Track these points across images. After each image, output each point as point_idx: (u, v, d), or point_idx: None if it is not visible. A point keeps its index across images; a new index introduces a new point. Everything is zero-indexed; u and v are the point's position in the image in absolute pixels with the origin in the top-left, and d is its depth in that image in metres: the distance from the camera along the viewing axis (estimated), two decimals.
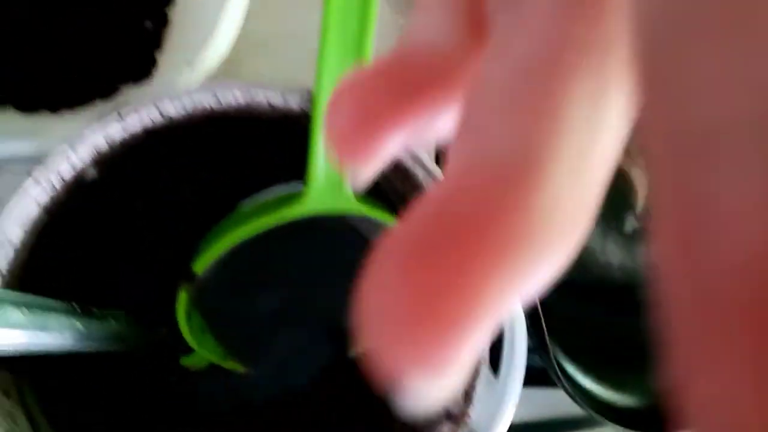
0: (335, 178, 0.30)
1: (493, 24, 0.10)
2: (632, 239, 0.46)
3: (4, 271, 0.26)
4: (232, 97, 0.28)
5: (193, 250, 0.33)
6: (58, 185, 0.27)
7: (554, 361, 0.39)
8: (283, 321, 0.34)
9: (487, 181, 0.08)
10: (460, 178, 0.08)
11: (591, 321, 0.45)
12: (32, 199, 0.26)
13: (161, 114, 0.28)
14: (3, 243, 0.26)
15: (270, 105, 0.29)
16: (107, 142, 0.27)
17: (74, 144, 0.26)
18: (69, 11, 0.36)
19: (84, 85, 0.37)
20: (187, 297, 0.31)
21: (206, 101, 0.28)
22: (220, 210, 0.33)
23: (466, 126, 0.09)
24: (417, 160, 0.31)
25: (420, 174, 0.31)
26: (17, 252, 0.26)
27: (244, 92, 0.28)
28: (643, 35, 0.07)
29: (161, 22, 0.38)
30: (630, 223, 0.46)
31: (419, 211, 0.08)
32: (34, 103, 0.36)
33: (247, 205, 0.33)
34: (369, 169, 0.10)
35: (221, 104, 0.28)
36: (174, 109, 0.28)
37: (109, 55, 0.37)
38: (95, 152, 0.27)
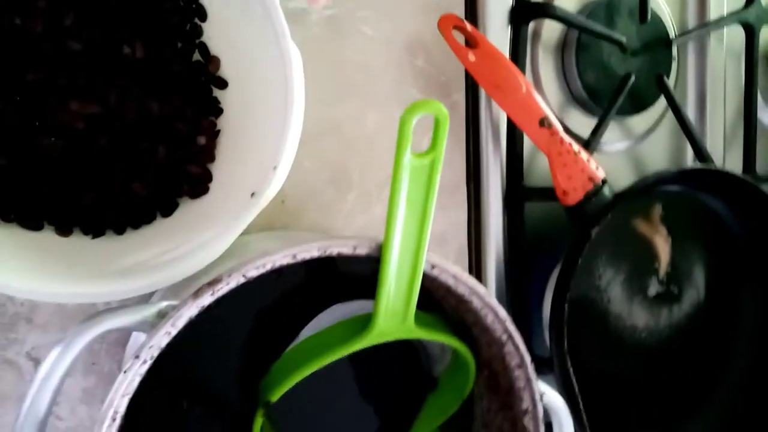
0: (399, 310, 0.33)
1: None
2: (656, 302, 0.49)
3: None
4: (308, 254, 0.31)
5: (258, 375, 0.35)
6: (156, 353, 0.29)
7: None
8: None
9: None
10: None
11: (621, 382, 0.49)
12: (136, 374, 0.28)
13: (245, 277, 0.30)
14: (115, 417, 0.28)
15: (338, 253, 0.32)
16: (198, 310, 0.29)
17: (176, 321, 0.28)
18: (129, 135, 0.37)
19: (146, 204, 0.38)
20: (263, 421, 0.34)
21: (285, 261, 0.30)
22: (282, 335, 0.36)
23: None
24: (458, 278, 0.34)
25: (462, 290, 0.34)
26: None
27: (320, 250, 0.31)
28: None
29: (213, 135, 0.39)
30: (654, 288, 0.49)
31: None
32: (101, 226, 0.38)
33: (311, 331, 0.36)
34: None
35: (296, 260, 0.31)
36: (256, 272, 0.30)
37: (168, 174, 0.38)
38: (188, 321, 0.29)
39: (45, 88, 0.35)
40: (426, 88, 0.49)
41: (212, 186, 0.39)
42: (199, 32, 0.39)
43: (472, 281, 0.34)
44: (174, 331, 0.29)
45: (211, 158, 0.39)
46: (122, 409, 0.29)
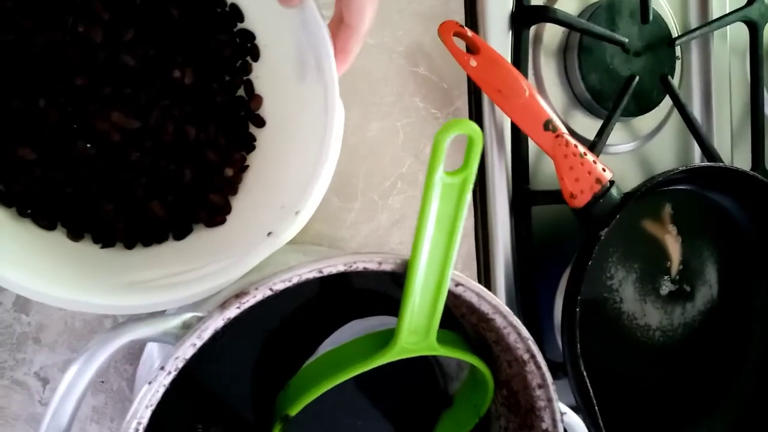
0: (422, 326, 0.32)
1: None
2: (669, 301, 0.49)
3: None
4: (335, 269, 0.30)
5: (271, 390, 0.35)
6: (181, 365, 0.28)
7: None
8: None
9: None
10: None
11: (635, 383, 0.48)
12: (161, 385, 0.28)
13: (272, 290, 0.29)
14: (138, 428, 0.28)
15: (364, 269, 0.31)
16: (224, 322, 0.29)
17: (201, 333, 0.28)
18: (160, 155, 0.37)
19: (160, 224, 0.38)
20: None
21: (311, 275, 0.30)
22: (293, 351, 0.36)
23: None
24: (482, 296, 0.33)
25: (485, 308, 0.34)
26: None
27: (346, 265, 0.30)
28: None
29: (241, 169, 0.39)
30: (666, 286, 0.49)
31: None
32: (112, 237, 0.37)
33: (329, 346, 0.35)
34: None
35: (322, 274, 0.30)
36: (283, 285, 0.29)
37: (189, 199, 0.38)
38: (213, 332, 0.29)
39: (90, 94, 0.35)
40: (428, 96, 0.49)
41: (229, 218, 0.38)
42: (249, 70, 0.40)
43: (495, 300, 0.33)
44: (199, 343, 0.28)
45: (234, 191, 0.39)
46: (145, 421, 0.28)
